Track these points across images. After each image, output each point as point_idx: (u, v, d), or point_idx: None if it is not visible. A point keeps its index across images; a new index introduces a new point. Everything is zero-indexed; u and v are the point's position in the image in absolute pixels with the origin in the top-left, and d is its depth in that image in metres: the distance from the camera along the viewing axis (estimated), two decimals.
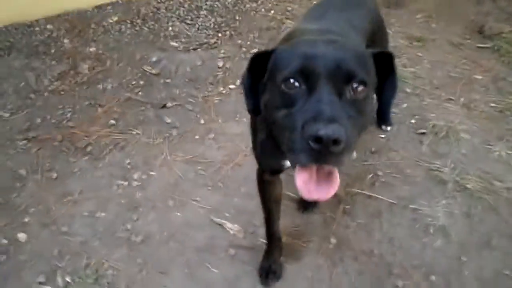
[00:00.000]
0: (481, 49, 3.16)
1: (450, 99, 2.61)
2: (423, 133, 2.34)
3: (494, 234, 1.83)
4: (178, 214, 1.89)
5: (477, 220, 1.89)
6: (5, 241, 1.75)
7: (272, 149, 1.21)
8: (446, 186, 2.02)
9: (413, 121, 2.43)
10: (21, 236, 1.77)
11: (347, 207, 1.93)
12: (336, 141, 0.81)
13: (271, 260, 1.65)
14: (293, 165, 0.94)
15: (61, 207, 1.91)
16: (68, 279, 1.62)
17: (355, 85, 0.92)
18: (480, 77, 2.83)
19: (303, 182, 0.92)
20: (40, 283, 1.61)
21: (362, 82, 0.93)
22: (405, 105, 2.56)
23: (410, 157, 2.19)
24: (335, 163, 0.86)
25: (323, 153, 0.82)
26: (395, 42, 3.17)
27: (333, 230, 1.84)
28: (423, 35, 3.26)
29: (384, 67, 1.05)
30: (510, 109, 2.54)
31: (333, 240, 1.81)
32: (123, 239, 1.78)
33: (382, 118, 1.21)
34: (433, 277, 1.65)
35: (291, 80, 0.93)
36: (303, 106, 0.90)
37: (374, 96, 1.08)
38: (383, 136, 2.31)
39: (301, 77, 0.92)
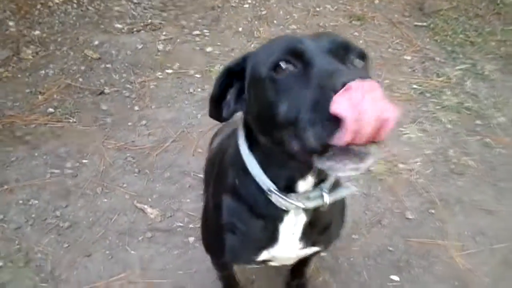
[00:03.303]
0: (418, 27, 3.27)
1: (377, 81, 2.76)
2: None
3: (387, 213, 2.06)
4: (105, 200, 2.08)
5: (374, 200, 2.10)
6: None
7: (243, 230, 1.05)
8: None
9: None
10: None
11: None
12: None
13: None
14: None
15: None
16: (1, 262, 1.83)
17: (353, 58, 0.81)
18: (409, 57, 2.97)
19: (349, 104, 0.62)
20: None
21: (361, 55, 0.82)
22: None
23: None
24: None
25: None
26: (336, 21, 3.27)
27: None
28: (364, 13, 3.35)
29: None
30: (430, 91, 2.70)
31: None
32: (52, 225, 1.98)
33: None
34: (323, 254, 1.89)
35: (282, 64, 0.77)
36: (307, 82, 0.72)
37: None
38: None
39: (293, 57, 0.77)
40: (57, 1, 3.34)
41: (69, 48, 2.94)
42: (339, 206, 1.21)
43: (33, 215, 2.02)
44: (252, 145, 0.94)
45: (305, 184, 0.92)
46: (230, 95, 0.95)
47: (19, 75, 2.74)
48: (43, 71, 2.76)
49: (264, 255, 1.11)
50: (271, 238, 1.05)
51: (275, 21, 3.22)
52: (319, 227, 1.09)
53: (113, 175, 2.19)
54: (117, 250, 1.91)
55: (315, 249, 1.16)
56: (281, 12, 3.30)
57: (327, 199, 0.91)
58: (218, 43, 2.99)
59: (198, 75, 2.75)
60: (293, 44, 0.78)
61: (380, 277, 1.85)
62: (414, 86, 2.73)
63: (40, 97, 2.59)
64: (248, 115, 0.91)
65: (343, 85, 0.63)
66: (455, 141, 2.39)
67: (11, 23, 3.13)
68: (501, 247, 1.92)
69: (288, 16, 3.27)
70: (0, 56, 2.86)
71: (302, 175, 0.91)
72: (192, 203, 2.07)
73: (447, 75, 2.80)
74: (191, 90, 2.63)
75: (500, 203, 2.09)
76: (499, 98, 2.64)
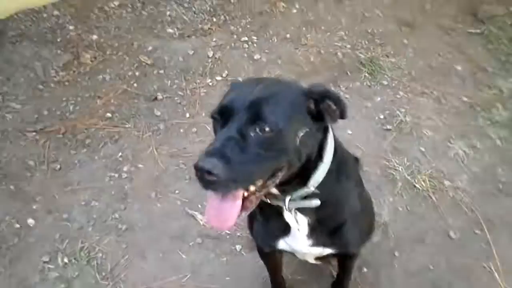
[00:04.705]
0: (470, 35, 3.18)
1: (424, 92, 2.74)
2: (388, 129, 2.52)
3: (430, 232, 2.08)
4: (159, 205, 2.23)
5: (417, 217, 2.13)
6: (17, 225, 2.15)
7: (262, 218, 1.33)
8: (397, 184, 2.24)
9: (382, 116, 2.60)
10: (30, 221, 2.16)
11: None
12: (209, 173, 0.91)
13: None
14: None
15: (63, 196, 2.28)
16: (66, 259, 2.02)
17: (261, 126, 0.98)
18: (460, 67, 2.91)
19: (207, 209, 1.04)
20: (45, 262, 2.01)
21: (269, 125, 0.98)
22: (378, 98, 2.72)
23: (371, 154, 2.39)
24: (218, 189, 0.97)
25: (205, 181, 0.93)
26: (384, 27, 3.24)
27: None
28: (413, 19, 3.29)
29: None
30: (481, 105, 2.65)
31: None
32: (111, 226, 2.15)
33: None
34: (365, 269, 1.95)
35: (215, 117, 1.07)
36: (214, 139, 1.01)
37: (305, 131, 1.05)
38: (350, 132, 2.50)
39: (220, 115, 1.04)
40: (113, 6, 3.50)
41: (125, 53, 3.09)
42: (352, 211, 1.32)
43: (94, 216, 2.20)
44: None
45: (275, 190, 1.13)
46: None
47: (79, 79, 2.92)
48: (101, 76, 2.94)
49: (282, 244, 1.34)
50: (284, 229, 1.29)
51: (323, 27, 3.23)
52: (327, 228, 1.28)
53: (166, 181, 2.33)
54: (170, 253, 2.05)
55: (328, 250, 1.35)
56: (329, 18, 3.30)
57: (287, 203, 1.13)
58: (266, 50, 3.06)
59: None
60: (225, 102, 1.05)
61: None
62: (464, 98, 2.69)
63: (98, 101, 2.77)
64: None
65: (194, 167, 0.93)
66: (504, 159, 2.35)
67: (71, 27, 3.32)
68: None
69: (336, 22, 3.27)
70: (62, 60, 3.07)
71: None
72: None
73: (499, 87, 2.73)
74: None
75: None
76: None
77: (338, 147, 1.19)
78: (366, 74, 2.83)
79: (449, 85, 2.79)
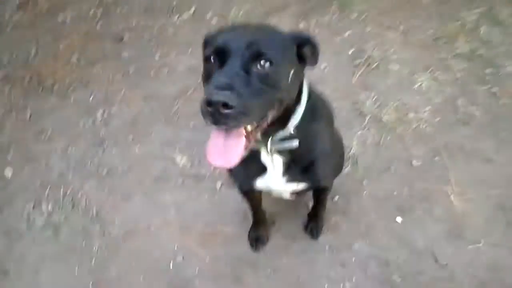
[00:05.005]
0: None
1: (391, 26, 2.79)
2: (357, 65, 2.59)
3: (395, 161, 2.25)
4: (137, 148, 2.27)
5: (383, 148, 2.28)
6: None
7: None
8: (365, 118, 2.36)
9: (350, 51, 2.65)
10: (8, 171, 2.16)
11: None
12: (225, 105, 0.94)
13: (257, 231, 2.00)
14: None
15: (38, 144, 2.27)
16: (50, 206, 2.07)
17: (262, 62, 1.04)
18: (426, 0, 2.94)
19: (210, 147, 1.07)
20: (29, 210, 2.06)
21: (269, 60, 1.05)
22: (347, 33, 2.75)
23: (340, 89, 2.48)
24: (230, 124, 0.98)
25: (217, 115, 0.95)
26: None
27: None
28: None
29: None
30: (445, 37, 2.73)
31: None
32: (92, 171, 2.19)
33: None
34: (336, 197, 2.12)
35: (210, 58, 1.09)
36: (213, 78, 1.04)
37: (294, 70, 1.14)
38: (320, 68, 2.55)
39: (217, 55, 1.07)
40: None
41: None
42: (324, 150, 1.43)
43: (72, 162, 2.23)
44: None
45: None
46: None
47: (38, 21, 2.77)
48: (61, 16, 2.79)
49: (259, 183, 1.44)
50: (260, 169, 1.38)
51: None
52: (300, 166, 1.37)
53: (142, 124, 2.35)
54: (153, 194, 2.13)
55: (302, 184, 1.46)
56: None
57: (269, 144, 1.23)
58: None
59: (214, 21, 2.77)
60: (221, 43, 1.07)
61: (385, 218, 2.09)
62: (429, 32, 2.76)
63: (61, 45, 2.66)
64: None
65: (208, 101, 0.94)
66: (464, 90, 2.49)
67: None
68: (496, 193, 2.13)
69: None
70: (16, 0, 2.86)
71: None
72: None
73: (463, 19, 2.80)
74: None
75: (499, 152, 2.26)
76: None
77: (311, 90, 1.28)
78: (336, 8, 2.82)
79: (416, 18, 2.84)
